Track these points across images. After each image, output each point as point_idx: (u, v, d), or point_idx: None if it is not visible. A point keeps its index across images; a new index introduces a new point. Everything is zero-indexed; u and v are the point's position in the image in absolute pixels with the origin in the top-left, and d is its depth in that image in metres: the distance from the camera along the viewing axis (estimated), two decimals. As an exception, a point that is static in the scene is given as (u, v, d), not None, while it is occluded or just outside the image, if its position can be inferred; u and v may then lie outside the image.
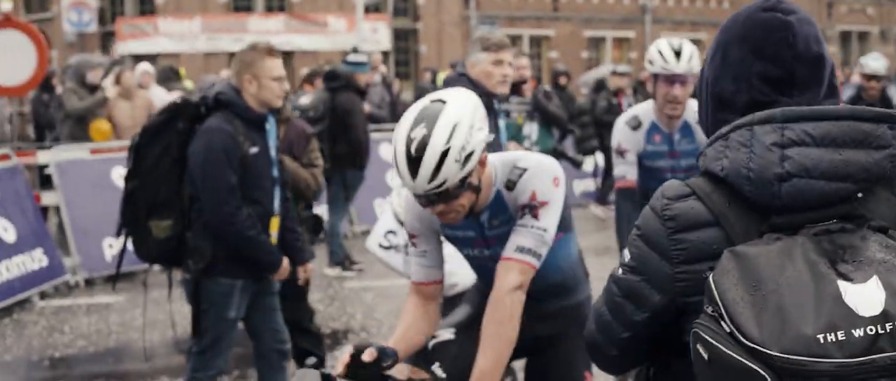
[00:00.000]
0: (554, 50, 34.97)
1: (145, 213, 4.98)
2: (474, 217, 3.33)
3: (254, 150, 4.91)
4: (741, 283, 1.75)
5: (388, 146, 13.70)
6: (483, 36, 5.83)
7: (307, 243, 5.89)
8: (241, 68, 4.91)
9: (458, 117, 3.02)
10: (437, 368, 3.46)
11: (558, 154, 11.51)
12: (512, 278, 3.23)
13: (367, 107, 13.61)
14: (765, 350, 1.66)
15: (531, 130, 9.76)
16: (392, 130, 12.39)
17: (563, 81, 16.12)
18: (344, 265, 10.36)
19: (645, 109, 5.25)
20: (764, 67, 1.97)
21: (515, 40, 30.71)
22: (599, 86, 14.64)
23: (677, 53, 5.01)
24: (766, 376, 1.66)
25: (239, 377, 6.86)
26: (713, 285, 1.77)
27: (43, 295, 9.41)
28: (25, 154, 10.94)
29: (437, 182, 3.01)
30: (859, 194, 1.84)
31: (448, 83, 6.02)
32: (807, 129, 1.85)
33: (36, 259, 9.39)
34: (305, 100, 10.20)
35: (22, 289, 9.07)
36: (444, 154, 2.98)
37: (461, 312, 3.68)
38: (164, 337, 7.94)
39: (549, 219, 3.25)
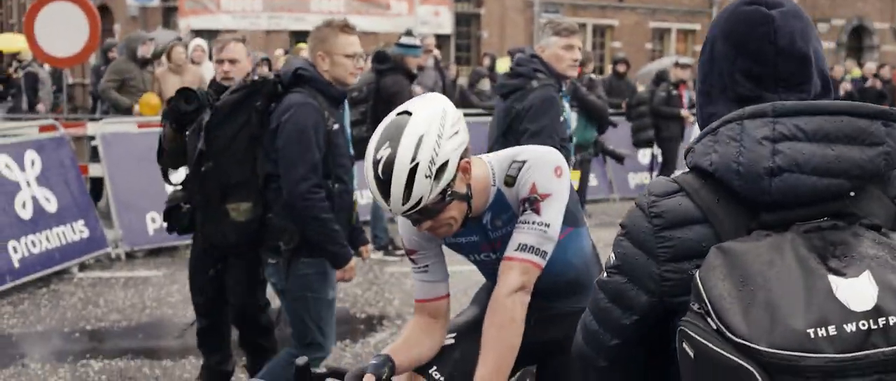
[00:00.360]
0: (617, 40, 34.54)
1: (219, 195, 4.88)
2: (476, 221, 3.10)
3: (336, 126, 4.82)
4: (729, 279, 1.70)
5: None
6: (554, 21, 5.80)
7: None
8: (314, 44, 4.85)
9: (424, 128, 2.77)
10: (434, 372, 3.21)
11: (599, 148, 11.02)
12: (512, 278, 2.99)
13: (418, 90, 13.44)
14: (753, 346, 1.62)
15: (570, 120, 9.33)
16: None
17: (621, 68, 15.80)
18: (387, 250, 10.21)
19: None
20: (746, 63, 1.94)
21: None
22: (660, 77, 14.28)
23: None
24: (755, 372, 1.62)
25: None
26: (700, 282, 1.73)
27: (83, 266, 9.37)
28: (75, 125, 10.94)
29: (411, 202, 2.78)
30: (852, 193, 1.78)
31: (520, 64, 5.97)
32: (799, 123, 1.80)
33: (77, 231, 9.34)
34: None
35: (61, 260, 9.02)
36: (413, 171, 2.75)
37: (465, 315, 3.44)
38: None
39: (552, 213, 3.01)
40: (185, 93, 4.97)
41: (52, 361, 6.63)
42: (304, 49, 12.86)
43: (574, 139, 8.01)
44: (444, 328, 3.25)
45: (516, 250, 2.99)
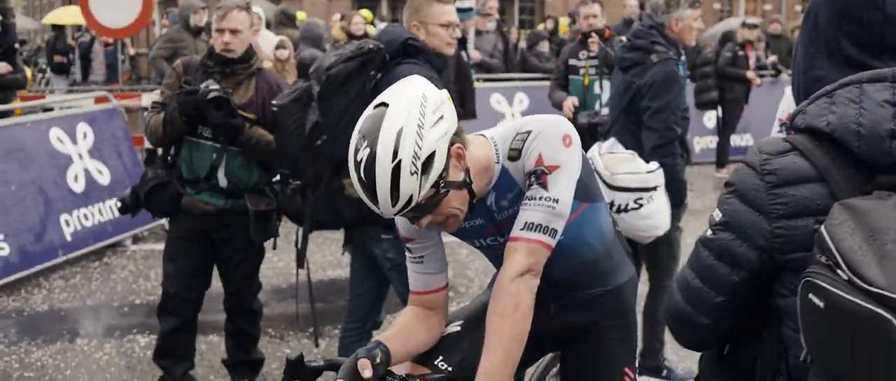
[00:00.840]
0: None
1: (332, 170, 4.61)
2: (479, 203, 2.85)
3: None
4: (857, 233, 1.72)
5: (500, 97, 13.28)
6: None
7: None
8: (409, 15, 4.73)
9: (402, 120, 2.54)
10: (441, 362, 2.98)
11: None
12: (518, 260, 2.72)
13: (476, 55, 13.19)
14: (891, 295, 1.64)
15: (603, 89, 8.32)
16: (506, 79, 11.85)
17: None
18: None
19: None
20: (852, 28, 1.97)
21: (645, -11, 29.74)
22: (726, 37, 13.85)
23: None
24: (893, 319, 1.63)
25: (274, 336, 6.58)
26: (827, 236, 1.73)
27: (136, 239, 9.34)
28: (128, 96, 10.90)
29: (401, 203, 2.56)
30: None
31: (638, 36, 5.72)
32: None
33: (130, 203, 9.29)
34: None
35: (114, 233, 8.99)
36: (397, 170, 2.52)
37: (475, 302, 3.21)
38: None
39: (561, 186, 2.73)
40: (217, 101, 4.85)
41: (99, 336, 6.58)
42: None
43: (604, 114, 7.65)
44: (443, 320, 3.03)
45: (522, 229, 2.73)
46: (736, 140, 13.96)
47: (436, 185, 2.59)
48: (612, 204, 5.16)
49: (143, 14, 11.30)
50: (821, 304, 1.71)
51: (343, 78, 4.48)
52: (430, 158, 2.56)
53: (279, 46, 11.37)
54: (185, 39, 11.05)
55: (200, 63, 5.11)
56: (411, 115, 2.55)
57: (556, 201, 2.71)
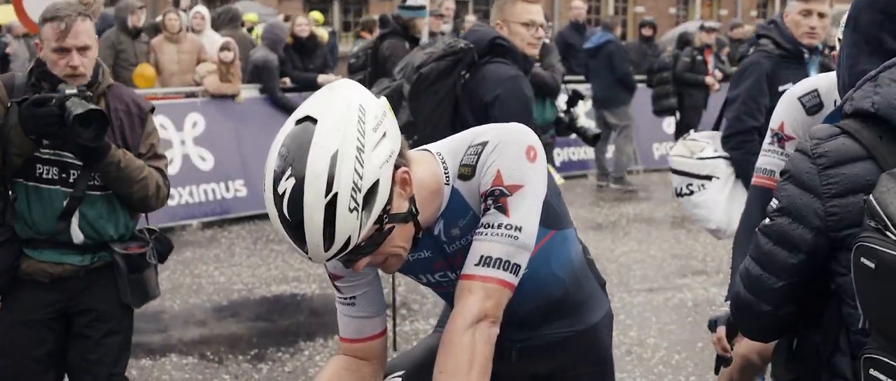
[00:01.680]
0: (640, 5, 33.63)
1: None
2: (425, 232, 2.36)
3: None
4: None
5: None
6: None
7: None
8: (495, 12, 4.71)
9: (337, 141, 2.04)
10: None
11: (564, 127, 7.75)
12: (472, 304, 2.23)
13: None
14: None
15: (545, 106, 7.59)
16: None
17: (647, 32, 15.01)
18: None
19: (829, 85, 3.43)
20: (893, 27, 2.09)
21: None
22: (684, 41, 13.54)
23: None
24: None
25: (212, 359, 6.12)
26: (875, 202, 1.84)
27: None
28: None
29: (336, 247, 2.07)
30: None
31: (756, 32, 5.41)
32: None
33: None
34: (355, 48, 9.52)
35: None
36: (332, 207, 2.04)
37: (422, 346, 2.76)
38: (187, 303, 7.25)
39: (525, 210, 2.27)
40: (86, 118, 3.51)
41: None
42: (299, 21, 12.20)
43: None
44: (378, 372, 2.55)
45: (477, 264, 2.25)
46: (695, 147, 13.65)
47: (379, 220, 2.13)
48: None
49: (81, 13, 10.72)
50: (872, 265, 1.81)
51: (434, 77, 4.55)
52: (374, 188, 2.09)
53: (224, 48, 10.89)
54: (123, 41, 10.51)
55: (29, 85, 3.73)
56: (348, 134, 2.06)
57: (519, 229, 2.25)
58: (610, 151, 12.77)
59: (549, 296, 2.56)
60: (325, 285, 7.72)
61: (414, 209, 2.24)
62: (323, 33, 14.85)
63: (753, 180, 3.49)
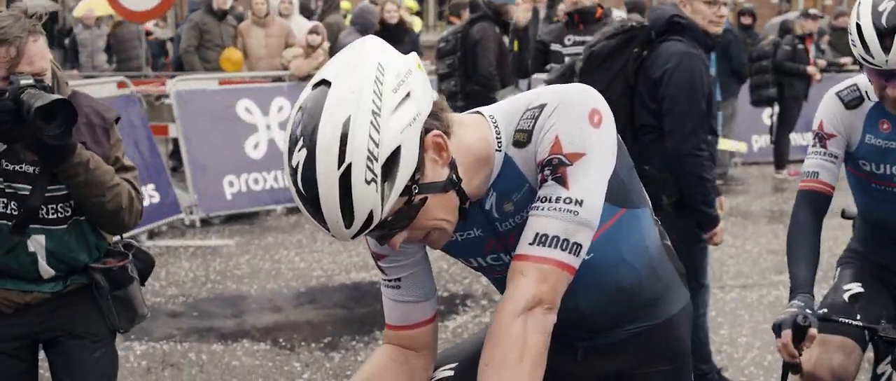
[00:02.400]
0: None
1: None
2: (475, 207, 2.11)
3: (711, 76, 4.65)
4: None
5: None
6: None
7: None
8: None
9: (351, 106, 1.82)
10: None
11: None
12: (524, 289, 1.97)
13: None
14: None
15: None
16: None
17: (746, 20, 14.43)
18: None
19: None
20: None
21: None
22: (785, 29, 12.99)
23: (886, 35, 2.99)
24: None
25: (284, 347, 5.95)
26: None
27: (152, 234, 8.76)
28: (147, 83, 10.38)
29: (358, 223, 1.85)
30: None
31: None
32: None
33: (146, 196, 8.70)
34: (445, 32, 9.30)
35: (127, 227, 8.38)
36: (346, 179, 1.82)
37: (478, 336, 2.46)
38: (264, 289, 7.12)
39: (589, 182, 1.99)
40: (48, 110, 2.93)
41: (93, 342, 5.98)
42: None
43: None
44: (429, 363, 2.31)
45: (532, 243, 1.99)
46: (796, 139, 13.10)
47: (407, 191, 1.89)
48: None
49: (167, -1, 10.74)
50: None
51: (605, 55, 4.62)
52: (394, 156, 1.85)
53: (312, 31, 10.78)
54: (208, 23, 10.46)
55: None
56: (362, 97, 1.83)
57: (580, 203, 1.98)
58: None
59: (619, 286, 2.27)
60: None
61: (455, 177, 1.98)
62: (413, 21, 14.68)
63: (800, 185, 3.36)
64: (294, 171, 1.85)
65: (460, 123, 2.05)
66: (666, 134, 4.55)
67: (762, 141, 13.28)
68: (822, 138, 3.33)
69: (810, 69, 12.35)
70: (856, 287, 3.52)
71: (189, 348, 5.87)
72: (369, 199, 1.83)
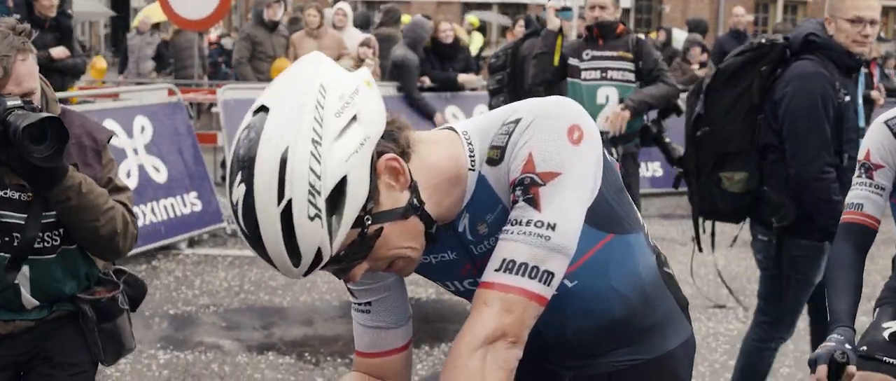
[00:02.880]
0: (812, 16, 32.25)
1: (713, 162, 4.62)
2: (448, 228, 1.96)
3: (847, 98, 4.38)
4: None
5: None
6: None
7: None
8: (827, 7, 4.48)
9: (288, 136, 1.67)
10: None
11: (650, 137, 6.99)
12: (487, 320, 1.79)
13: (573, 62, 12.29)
14: None
15: (608, 96, 6.62)
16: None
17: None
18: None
19: None
20: None
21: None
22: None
23: None
24: None
25: (309, 361, 5.81)
26: None
27: (191, 242, 8.71)
28: (202, 91, 10.38)
29: (306, 261, 1.72)
30: None
31: None
32: None
33: (188, 203, 8.69)
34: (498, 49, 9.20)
35: (167, 234, 8.37)
36: (287, 216, 1.68)
37: None
38: (297, 301, 7.01)
39: (564, 204, 1.81)
40: (37, 130, 2.75)
41: (118, 350, 5.90)
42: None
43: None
44: None
45: (498, 270, 1.82)
46: (858, 165, 12.73)
47: (358, 223, 1.74)
48: None
49: (222, 6, 10.74)
50: None
51: (732, 72, 4.51)
52: (340, 187, 1.70)
53: (363, 44, 10.71)
54: (259, 35, 10.45)
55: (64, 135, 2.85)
56: (301, 124, 1.68)
57: (553, 227, 1.80)
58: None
59: (609, 316, 2.10)
60: (442, 290, 7.38)
61: (415, 201, 1.83)
62: (474, 37, 14.57)
63: (843, 217, 3.18)
64: (235, 207, 1.71)
65: (425, 141, 1.90)
66: (788, 159, 4.39)
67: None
68: (868, 169, 3.16)
69: (874, 94, 11.96)
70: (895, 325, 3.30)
71: (213, 359, 5.77)
72: (315, 235, 1.69)
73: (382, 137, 1.78)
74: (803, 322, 6.70)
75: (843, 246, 3.12)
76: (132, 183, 8.17)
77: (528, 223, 1.81)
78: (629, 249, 2.07)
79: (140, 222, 7.92)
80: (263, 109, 1.72)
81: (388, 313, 2.08)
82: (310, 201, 1.67)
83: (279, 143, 1.66)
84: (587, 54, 6.65)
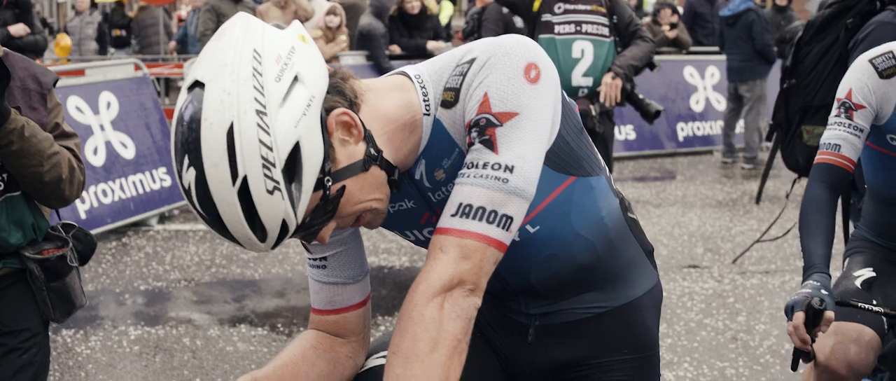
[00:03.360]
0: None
1: (799, 116, 4.61)
2: (404, 176, 1.89)
3: None
4: None
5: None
6: None
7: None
8: None
9: (229, 110, 1.58)
10: None
11: (624, 95, 6.38)
12: (443, 267, 1.72)
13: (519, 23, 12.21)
14: None
15: (583, 50, 6.35)
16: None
17: (781, 1, 14.03)
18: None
19: None
20: None
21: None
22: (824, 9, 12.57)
23: None
24: None
25: (281, 332, 5.75)
26: None
27: (162, 218, 8.61)
28: (167, 65, 10.24)
29: (273, 235, 1.67)
30: None
31: None
32: None
33: (157, 179, 8.57)
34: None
35: (137, 211, 8.27)
36: (244, 194, 1.61)
37: None
38: (269, 273, 6.94)
39: (522, 145, 1.74)
40: None
41: (87, 327, 5.82)
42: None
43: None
44: (356, 352, 2.07)
45: (454, 215, 1.75)
46: (831, 123, 12.74)
47: (319, 185, 1.68)
48: None
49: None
50: None
51: (819, 25, 4.47)
52: (294, 154, 1.64)
53: (329, 13, 10.59)
54: (223, 7, 10.30)
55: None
56: (241, 96, 1.60)
57: (511, 169, 1.74)
58: (739, 126, 11.99)
59: (573, 262, 2.04)
60: (416, 258, 7.33)
61: (372, 151, 1.76)
62: (437, 7, 14.45)
63: (818, 156, 3.02)
64: (187, 192, 1.64)
65: (373, 89, 1.83)
66: None
67: (796, 125, 12.90)
68: (848, 109, 3.00)
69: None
70: (867, 273, 3.22)
71: (184, 333, 5.70)
72: (277, 209, 1.63)
73: (328, 91, 1.71)
74: (778, 279, 6.72)
75: (818, 187, 3.00)
76: (100, 160, 8.06)
77: (484, 166, 1.74)
78: (592, 192, 2.01)
79: (109, 199, 7.86)
80: (198, 84, 1.63)
81: (344, 268, 2.01)
82: (266, 175, 1.60)
83: (222, 120, 1.59)
84: (559, 7, 6.52)
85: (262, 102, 1.60)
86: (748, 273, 6.90)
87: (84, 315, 6.02)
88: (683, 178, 10.88)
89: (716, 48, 12.43)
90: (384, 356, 2.11)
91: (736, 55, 11.52)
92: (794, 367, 2.91)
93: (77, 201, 7.64)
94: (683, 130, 12.58)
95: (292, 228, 1.68)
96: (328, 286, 2.03)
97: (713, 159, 12.32)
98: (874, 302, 3.02)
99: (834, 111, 3.03)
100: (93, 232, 7.50)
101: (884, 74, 2.98)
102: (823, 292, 2.73)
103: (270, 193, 1.61)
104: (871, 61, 3.02)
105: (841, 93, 3.04)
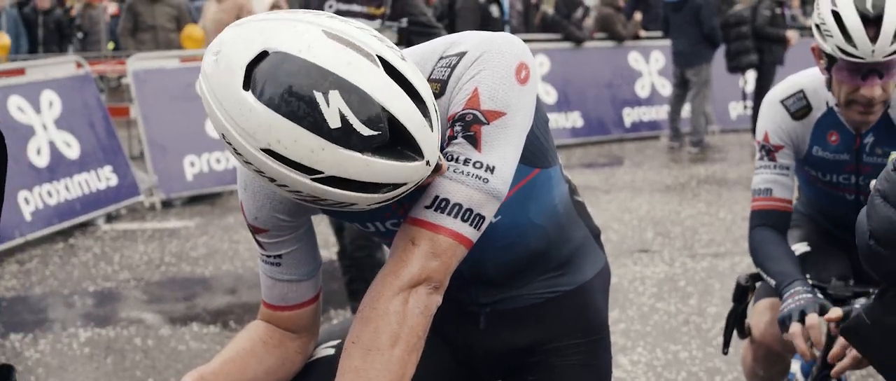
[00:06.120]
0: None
1: None
2: None
3: None
4: None
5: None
6: None
7: None
8: None
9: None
10: None
11: None
12: (413, 262, 1.74)
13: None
14: None
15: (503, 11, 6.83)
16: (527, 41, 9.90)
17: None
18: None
19: (816, 84, 3.00)
20: None
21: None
22: (763, -7, 12.72)
23: (872, 23, 2.70)
24: None
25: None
26: None
27: (109, 218, 8.50)
28: (110, 62, 10.10)
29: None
30: None
31: None
32: None
33: (103, 178, 8.46)
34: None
35: (83, 211, 8.15)
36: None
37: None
38: (220, 270, 6.88)
39: (503, 147, 1.77)
40: None
41: (36, 330, 5.73)
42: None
43: None
44: (306, 345, 2.08)
45: (430, 207, 1.75)
46: (774, 105, 12.86)
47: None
48: None
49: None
50: None
51: None
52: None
53: (274, 7, 10.50)
54: (139, 6, 10.20)
55: None
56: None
57: (492, 170, 1.76)
58: (685, 111, 12.09)
59: (527, 249, 2.05)
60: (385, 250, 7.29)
61: None
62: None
63: (752, 204, 3.03)
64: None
65: None
66: None
67: (739, 108, 13.06)
68: (769, 151, 3.02)
69: (790, 34, 12.13)
70: (802, 247, 3.26)
71: (135, 333, 5.63)
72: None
73: None
74: (728, 261, 6.78)
75: (761, 230, 2.99)
76: (43, 160, 7.94)
77: (466, 162, 1.75)
78: (549, 182, 2.03)
79: (54, 200, 7.74)
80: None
81: (298, 266, 2.01)
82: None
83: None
84: None
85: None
86: (698, 256, 6.97)
87: (33, 318, 5.94)
88: (631, 163, 10.96)
89: (660, 33, 12.51)
90: (333, 346, 2.11)
91: (682, 40, 11.61)
92: (726, 344, 2.98)
93: (21, 203, 7.54)
94: (629, 115, 12.66)
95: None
96: (282, 283, 2.02)
97: (660, 144, 12.42)
98: (807, 276, 2.93)
99: (757, 155, 3.05)
100: (39, 234, 7.45)
101: (795, 115, 3.00)
102: (820, 296, 2.76)
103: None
104: (782, 102, 3.02)
105: (759, 136, 3.06)
